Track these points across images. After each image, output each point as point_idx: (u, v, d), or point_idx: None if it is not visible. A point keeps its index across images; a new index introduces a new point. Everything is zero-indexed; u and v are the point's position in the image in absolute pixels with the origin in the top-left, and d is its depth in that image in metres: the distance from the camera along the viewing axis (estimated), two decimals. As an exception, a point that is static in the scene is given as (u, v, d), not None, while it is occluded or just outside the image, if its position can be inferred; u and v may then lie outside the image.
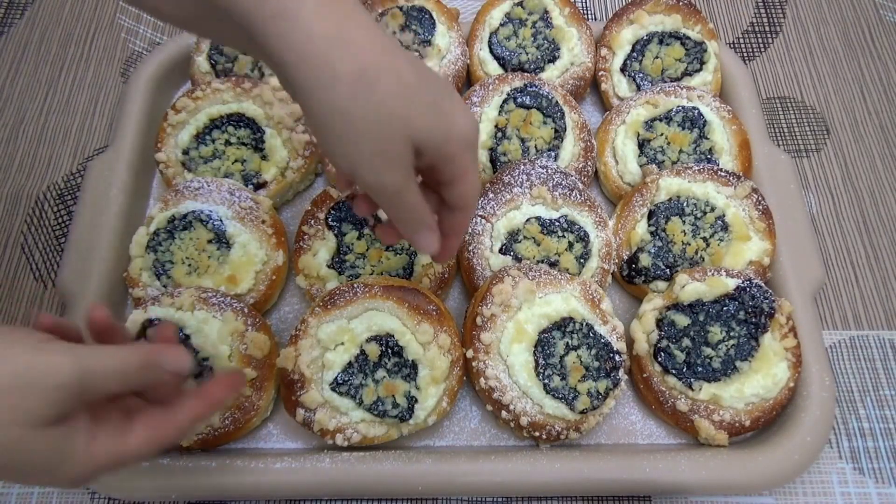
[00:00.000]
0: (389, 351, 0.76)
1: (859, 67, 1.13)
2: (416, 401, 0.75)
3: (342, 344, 0.77)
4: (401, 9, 1.02)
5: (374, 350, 0.76)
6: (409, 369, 0.76)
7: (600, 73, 1.03)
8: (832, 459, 0.82)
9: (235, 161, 0.93)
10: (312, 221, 0.88)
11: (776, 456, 0.75)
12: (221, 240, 0.85)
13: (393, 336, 0.76)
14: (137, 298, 0.84)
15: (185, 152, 0.94)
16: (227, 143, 0.94)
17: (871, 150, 1.05)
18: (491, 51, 1.02)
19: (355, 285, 0.78)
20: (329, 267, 0.85)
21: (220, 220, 0.86)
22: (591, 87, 1.06)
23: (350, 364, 0.76)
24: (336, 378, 0.76)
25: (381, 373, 0.76)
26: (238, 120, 0.94)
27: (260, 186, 0.93)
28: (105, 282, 0.85)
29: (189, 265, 0.84)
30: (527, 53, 1.01)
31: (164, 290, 0.83)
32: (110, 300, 0.86)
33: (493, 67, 1.02)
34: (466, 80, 1.05)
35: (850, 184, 1.02)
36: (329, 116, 0.52)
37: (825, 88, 1.11)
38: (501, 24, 1.03)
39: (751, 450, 0.76)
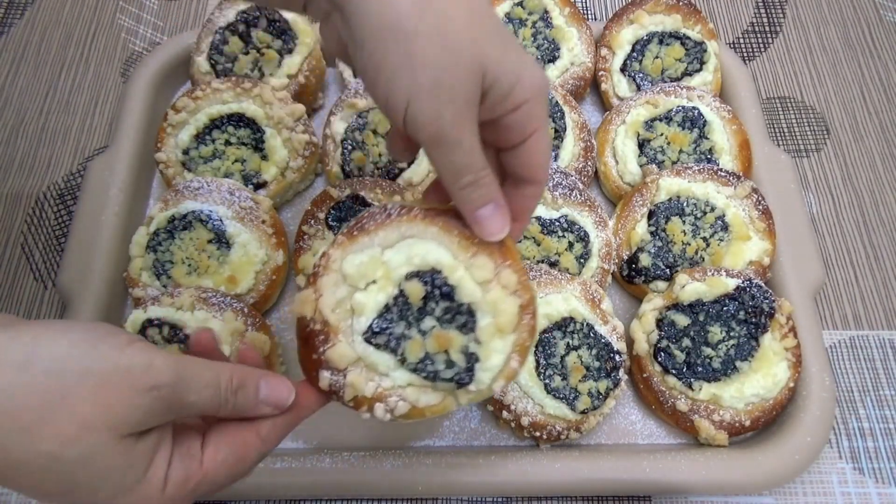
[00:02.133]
0: (437, 292, 0.58)
1: (859, 67, 1.13)
2: (477, 359, 0.56)
3: (374, 282, 0.59)
4: (401, 9, 1.02)
5: (415, 290, 0.57)
6: (464, 317, 0.57)
7: (600, 73, 1.03)
8: (832, 459, 0.82)
9: (235, 161, 0.93)
10: (312, 221, 0.88)
11: (776, 456, 0.75)
12: (221, 240, 0.85)
13: (440, 272, 0.58)
14: (137, 298, 0.84)
15: (185, 152, 0.94)
16: (227, 143, 0.94)
17: (871, 150, 1.05)
18: (491, 51, 1.02)
19: (389, 206, 0.60)
20: (329, 267, 0.85)
21: (220, 220, 0.86)
22: (591, 87, 1.06)
23: (387, 308, 0.58)
24: (371, 326, 0.58)
25: (428, 321, 0.58)
26: (238, 120, 0.94)
27: (260, 186, 0.93)
28: (105, 282, 0.85)
29: (189, 265, 0.84)
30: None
31: (164, 290, 0.83)
32: (110, 300, 0.86)
33: (493, 67, 1.01)
34: (466, 80, 1.05)
35: (850, 184, 1.02)
36: (385, 38, 0.45)
37: (825, 88, 1.11)
38: (501, 24, 1.03)
39: (751, 450, 0.76)
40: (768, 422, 0.79)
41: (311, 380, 0.58)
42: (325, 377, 0.57)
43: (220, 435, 0.50)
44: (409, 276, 0.58)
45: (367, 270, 0.58)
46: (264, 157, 0.94)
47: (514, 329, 0.57)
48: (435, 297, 0.57)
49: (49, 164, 1.03)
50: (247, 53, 0.98)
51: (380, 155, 0.92)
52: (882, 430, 0.84)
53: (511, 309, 0.56)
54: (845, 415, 0.85)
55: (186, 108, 0.95)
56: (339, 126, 0.94)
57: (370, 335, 0.58)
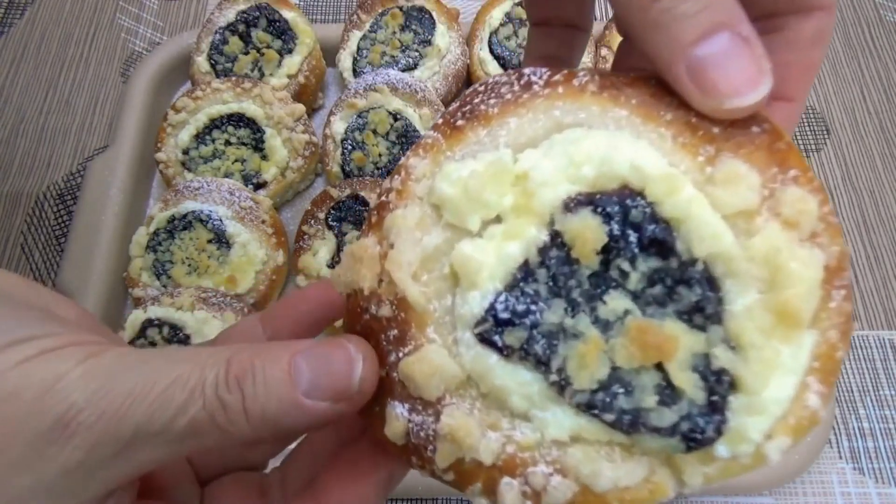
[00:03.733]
0: (633, 236, 0.29)
1: (859, 67, 1.13)
2: (732, 384, 0.28)
3: (497, 220, 0.32)
4: (401, 9, 1.02)
5: (587, 231, 0.29)
6: (696, 290, 0.29)
7: (600, 73, 1.02)
8: (832, 459, 0.82)
9: (235, 161, 0.93)
10: (312, 221, 0.88)
11: (776, 456, 0.75)
12: (221, 240, 0.85)
13: (640, 195, 0.30)
14: (137, 298, 0.84)
15: (185, 152, 0.94)
16: (227, 143, 0.94)
17: (871, 150, 1.05)
18: (491, 51, 1.02)
19: (526, 72, 0.33)
20: (329, 267, 0.85)
21: (220, 220, 0.86)
22: (591, 87, 1.06)
23: (528, 271, 0.30)
24: (493, 308, 0.30)
25: (616, 300, 0.29)
26: (238, 120, 0.94)
27: (260, 186, 0.93)
28: (105, 282, 0.85)
29: (189, 265, 0.85)
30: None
31: (164, 290, 0.83)
32: (110, 300, 0.86)
33: (494, 67, 1.01)
34: (466, 80, 1.05)
35: (850, 184, 1.02)
36: None
37: (825, 88, 1.11)
38: (501, 24, 1.03)
39: (751, 450, 0.76)
40: (768, 422, 0.79)
41: (369, 422, 0.32)
42: (398, 416, 0.30)
43: None
44: (572, 205, 0.30)
45: (486, 191, 0.30)
46: (264, 157, 0.94)
47: (814, 320, 0.28)
48: (629, 248, 0.29)
49: (49, 164, 1.03)
50: (247, 53, 0.98)
51: (380, 155, 0.92)
52: (882, 430, 0.84)
53: (809, 273, 0.28)
54: (845, 415, 0.85)
55: (186, 108, 0.95)
56: (339, 126, 0.94)
57: (490, 327, 0.30)
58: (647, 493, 0.28)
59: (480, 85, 0.33)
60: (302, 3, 1.17)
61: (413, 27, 1.01)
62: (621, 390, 0.28)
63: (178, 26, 1.15)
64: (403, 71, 0.99)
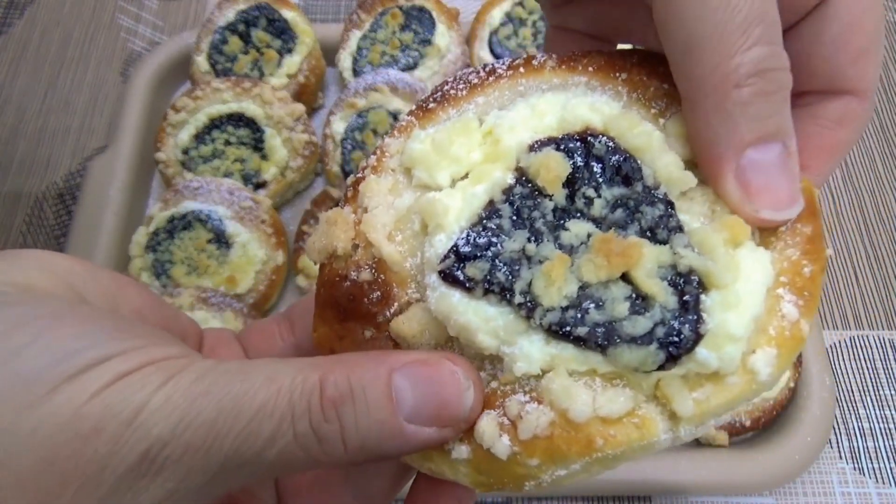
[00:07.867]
0: (596, 167, 0.32)
1: (859, 67, 1.12)
2: (700, 285, 0.29)
3: (465, 177, 0.34)
4: (401, 8, 1.02)
5: (551, 163, 0.31)
6: (657, 207, 0.31)
7: (600, 73, 1.02)
8: (832, 459, 0.82)
9: (235, 161, 0.93)
10: (312, 221, 0.88)
11: (776, 456, 0.75)
12: (221, 240, 0.85)
13: (602, 135, 0.32)
14: (137, 298, 0.84)
15: (185, 152, 0.94)
16: (227, 142, 0.94)
17: (871, 150, 1.05)
18: (491, 50, 1.02)
19: (491, 63, 0.37)
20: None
21: (220, 220, 0.86)
22: (591, 87, 1.06)
23: (493, 210, 0.32)
24: (455, 245, 0.31)
25: (578, 226, 0.31)
26: (238, 120, 0.94)
27: (260, 186, 0.93)
28: (105, 282, 0.85)
29: (189, 265, 0.85)
30: (527, 53, 1.01)
31: (164, 290, 0.83)
32: (110, 300, 0.86)
33: (493, 67, 1.02)
34: (466, 80, 1.05)
35: (850, 184, 1.02)
36: None
37: (825, 88, 1.11)
38: (501, 24, 1.03)
39: (751, 450, 0.76)
40: (768, 422, 0.79)
41: None
42: None
43: None
44: (537, 146, 0.32)
45: (454, 145, 0.33)
46: (264, 157, 0.94)
47: (765, 243, 0.30)
48: (594, 178, 0.31)
49: (48, 164, 1.03)
50: (247, 53, 0.98)
51: (380, 155, 0.92)
52: (882, 430, 0.84)
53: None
54: (845, 415, 0.85)
55: (186, 108, 0.95)
56: (338, 126, 0.94)
57: (452, 263, 0.30)
58: (634, 430, 0.27)
59: (451, 77, 0.37)
60: (302, 3, 1.16)
61: (413, 27, 1.01)
62: (591, 305, 0.28)
63: (177, 26, 1.15)
64: (403, 71, 0.99)
